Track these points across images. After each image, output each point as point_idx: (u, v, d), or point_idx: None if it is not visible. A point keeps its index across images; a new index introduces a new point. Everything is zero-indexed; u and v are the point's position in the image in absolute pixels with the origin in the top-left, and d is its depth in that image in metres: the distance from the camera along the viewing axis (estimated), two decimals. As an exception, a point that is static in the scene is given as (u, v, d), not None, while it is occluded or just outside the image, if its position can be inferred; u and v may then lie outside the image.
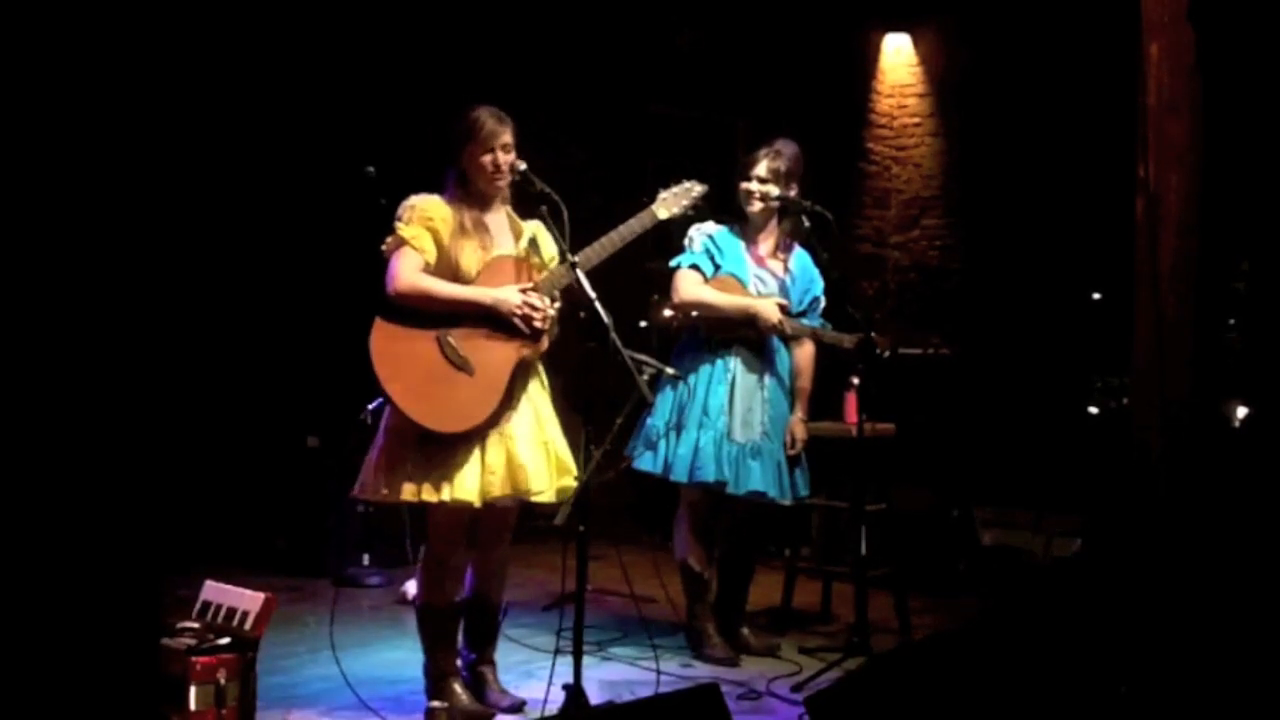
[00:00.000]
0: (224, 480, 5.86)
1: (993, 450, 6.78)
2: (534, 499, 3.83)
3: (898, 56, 8.35)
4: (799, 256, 4.73)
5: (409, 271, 3.72)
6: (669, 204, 4.12)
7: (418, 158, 6.39)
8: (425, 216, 3.78)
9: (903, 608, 4.89)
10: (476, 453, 3.73)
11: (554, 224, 3.76)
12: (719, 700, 2.94)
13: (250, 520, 5.85)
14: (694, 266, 4.62)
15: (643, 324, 6.79)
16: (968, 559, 6.12)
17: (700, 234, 4.67)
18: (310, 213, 6.19)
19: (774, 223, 4.69)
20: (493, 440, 3.76)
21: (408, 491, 3.70)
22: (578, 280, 3.75)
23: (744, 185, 4.61)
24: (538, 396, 3.92)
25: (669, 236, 4.87)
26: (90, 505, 2.16)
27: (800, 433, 4.64)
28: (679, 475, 4.51)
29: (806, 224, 4.57)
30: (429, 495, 3.69)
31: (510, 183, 3.88)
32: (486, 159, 3.82)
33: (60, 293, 2.14)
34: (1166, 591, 4.06)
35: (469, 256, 3.79)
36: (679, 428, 4.54)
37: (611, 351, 3.79)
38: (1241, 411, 4.79)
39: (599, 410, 3.87)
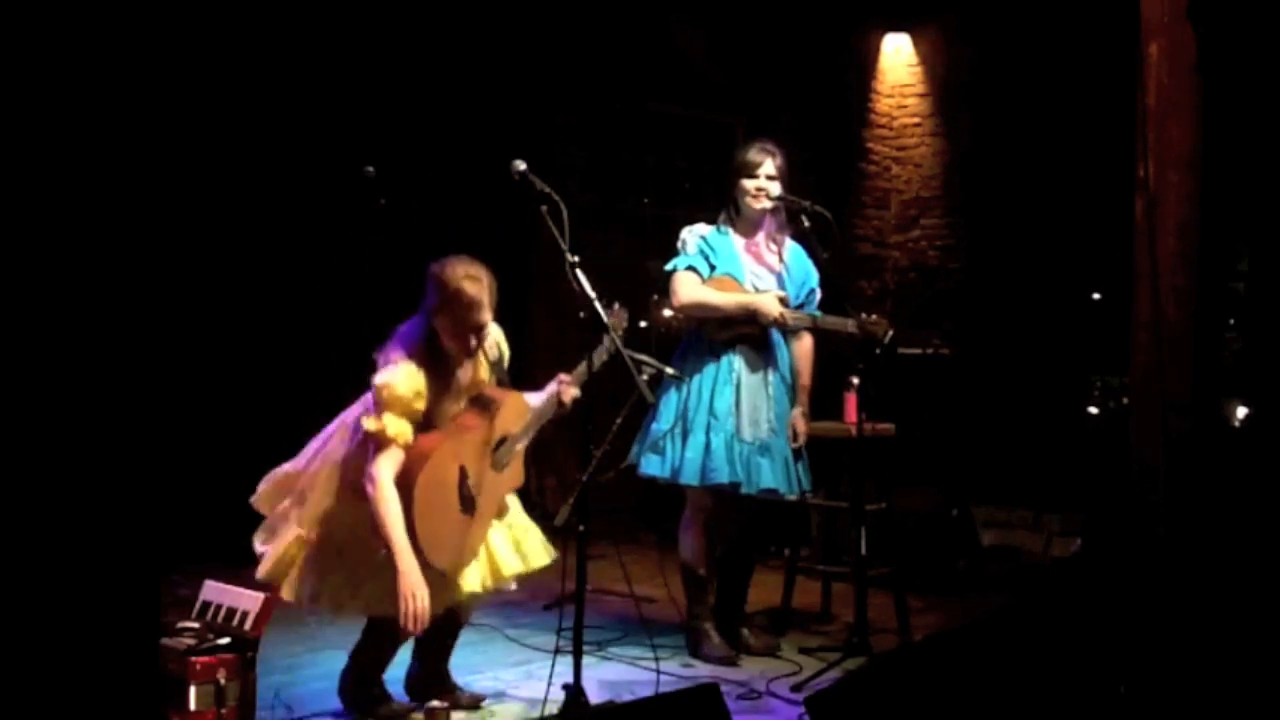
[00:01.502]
0: (224, 480, 5.85)
1: (992, 450, 6.78)
2: (507, 583, 3.92)
3: (898, 56, 8.34)
4: (793, 250, 4.73)
5: (389, 470, 3.59)
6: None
7: (418, 158, 6.43)
8: (409, 408, 3.62)
9: (903, 608, 4.89)
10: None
11: (554, 224, 3.75)
12: (719, 700, 2.94)
13: (250, 520, 5.84)
14: (690, 269, 4.62)
15: (643, 324, 6.80)
16: (968, 559, 6.12)
17: (693, 235, 4.67)
18: (310, 213, 6.19)
19: (769, 219, 4.69)
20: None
21: (386, 606, 3.60)
22: (577, 280, 3.75)
23: (750, 184, 4.60)
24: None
25: (670, 237, 4.88)
26: (90, 505, 2.16)
27: (802, 426, 4.64)
28: (690, 478, 4.50)
29: (806, 224, 4.57)
30: (423, 589, 3.58)
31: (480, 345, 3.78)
32: (461, 338, 3.69)
33: (60, 293, 2.14)
34: (1166, 591, 4.06)
35: (441, 416, 3.77)
36: (685, 431, 4.54)
37: (611, 351, 3.80)
38: (1241, 411, 4.79)
39: (599, 410, 3.87)
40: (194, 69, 5.41)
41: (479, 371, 3.88)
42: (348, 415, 3.84)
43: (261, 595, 3.63)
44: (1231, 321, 4.78)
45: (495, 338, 3.90)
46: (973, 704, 3.26)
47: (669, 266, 4.68)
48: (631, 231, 7.54)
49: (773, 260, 4.69)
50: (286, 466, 3.89)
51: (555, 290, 4.85)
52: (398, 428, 3.60)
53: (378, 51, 6.36)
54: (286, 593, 3.70)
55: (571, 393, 3.89)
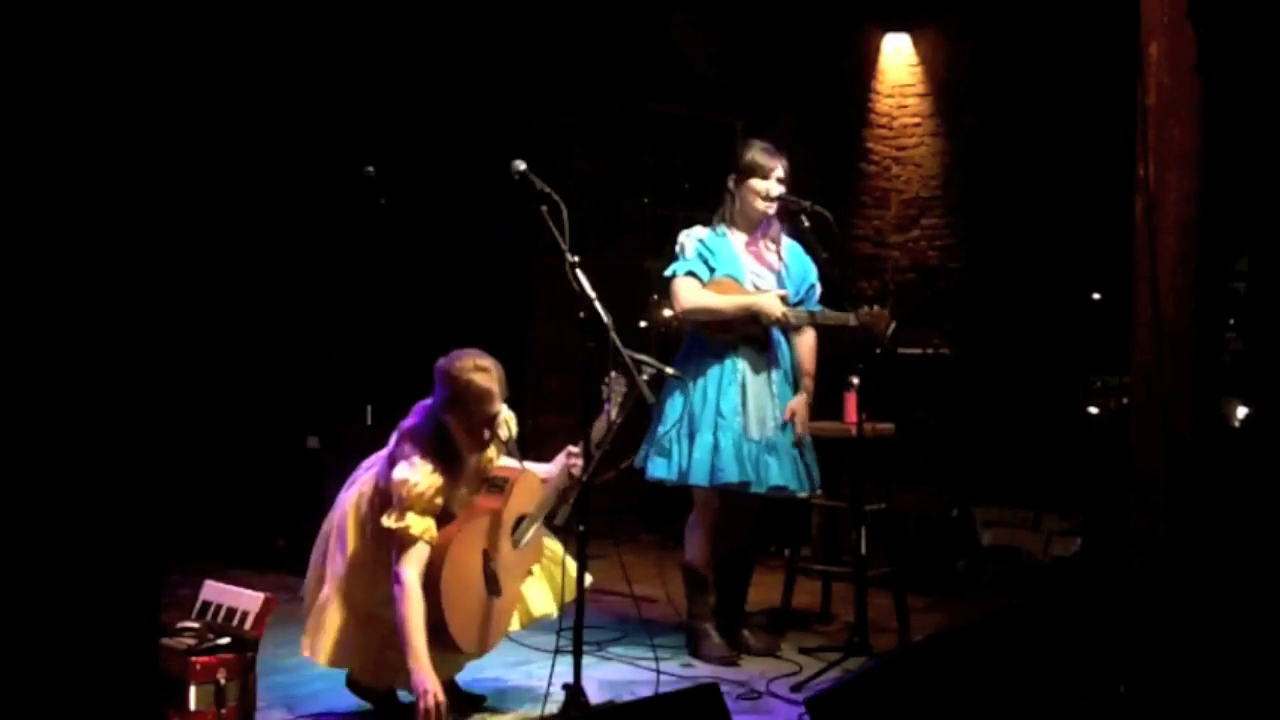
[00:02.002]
0: (224, 480, 5.86)
1: (992, 450, 6.78)
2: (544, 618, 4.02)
3: (898, 56, 8.35)
4: (791, 248, 4.73)
5: (416, 569, 3.60)
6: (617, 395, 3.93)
7: (418, 158, 6.43)
8: (430, 504, 3.63)
9: (903, 608, 4.89)
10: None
11: (554, 224, 3.75)
12: (719, 700, 2.94)
13: (250, 520, 5.85)
14: (690, 274, 4.61)
15: (643, 324, 6.80)
16: (968, 559, 6.12)
17: (691, 239, 4.66)
18: (310, 213, 6.19)
19: (769, 219, 4.69)
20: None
21: (402, 681, 3.68)
22: (577, 280, 3.75)
23: (762, 185, 4.59)
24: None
25: (670, 237, 4.88)
26: (90, 504, 2.16)
27: (802, 414, 4.61)
28: (699, 479, 4.49)
29: (806, 224, 4.57)
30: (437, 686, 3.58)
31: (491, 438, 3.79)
32: (474, 434, 3.71)
33: (61, 292, 2.14)
34: (1166, 591, 4.06)
35: (455, 504, 3.80)
36: (691, 432, 4.53)
37: (611, 351, 3.79)
38: (1241, 411, 4.79)
39: (598, 411, 3.87)
40: (195, 69, 5.41)
41: (488, 453, 3.90)
42: (358, 477, 3.86)
43: (261, 595, 3.63)
44: (1231, 321, 4.78)
45: (504, 416, 3.86)
46: (973, 704, 3.27)
47: (668, 272, 4.67)
48: (631, 231, 7.55)
49: (772, 260, 4.69)
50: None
51: (556, 290, 4.84)
52: (422, 526, 3.60)
53: (378, 51, 6.36)
54: (321, 657, 3.71)
55: (580, 465, 3.83)
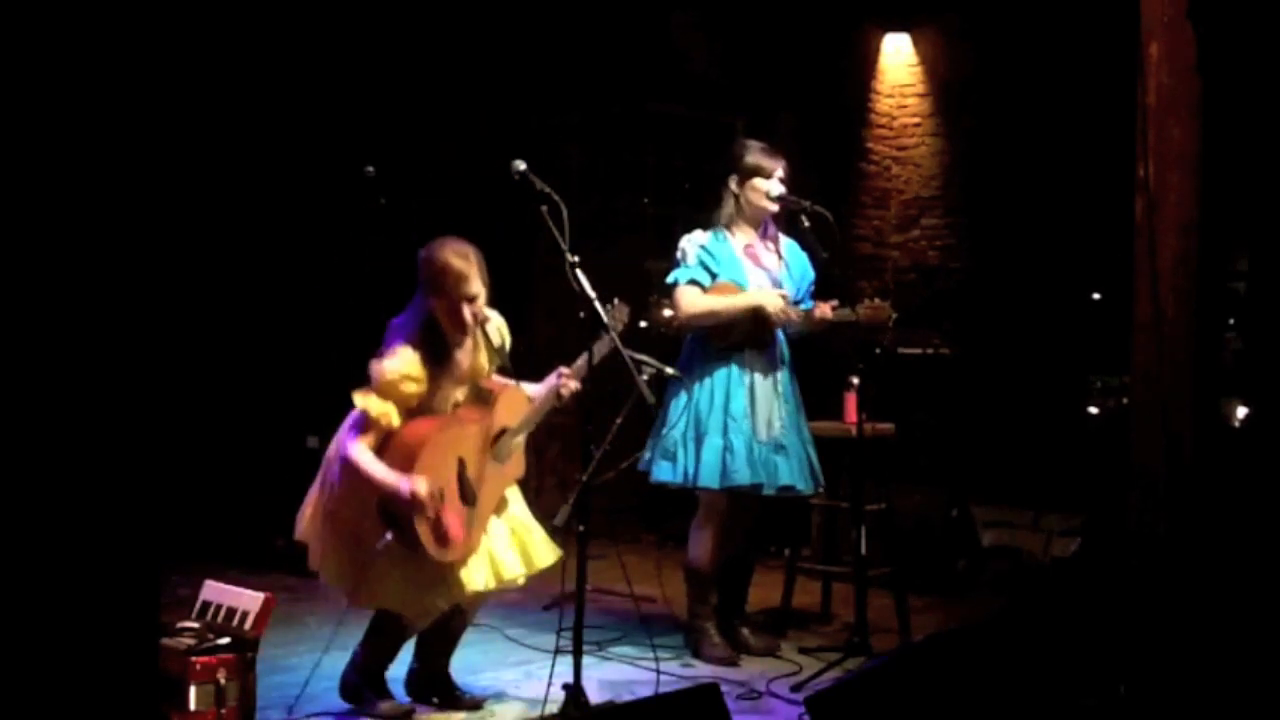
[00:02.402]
0: (224, 480, 5.86)
1: (992, 450, 6.78)
2: (512, 583, 3.91)
3: (898, 56, 8.34)
4: (789, 246, 4.73)
5: (366, 443, 3.65)
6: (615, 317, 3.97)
7: (418, 158, 6.43)
8: (397, 390, 3.66)
9: (903, 608, 4.89)
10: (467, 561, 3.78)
11: (554, 224, 3.75)
12: (719, 700, 2.94)
13: (250, 520, 5.85)
14: (692, 281, 4.61)
15: (643, 324, 6.80)
16: (968, 559, 6.12)
17: (692, 245, 4.65)
18: (310, 213, 6.19)
19: (768, 219, 4.69)
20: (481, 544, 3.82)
21: (392, 601, 3.72)
22: (577, 280, 3.75)
23: (763, 185, 4.59)
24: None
25: (670, 237, 4.88)
26: (90, 505, 2.16)
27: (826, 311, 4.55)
28: (709, 481, 4.48)
29: (806, 224, 4.57)
30: (417, 613, 3.68)
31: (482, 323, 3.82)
32: (454, 313, 3.74)
33: (60, 292, 2.14)
34: (1166, 591, 4.06)
35: (442, 402, 3.80)
36: (698, 436, 4.52)
37: (611, 351, 3.80)
38: (1241, 411, 4.78)
39: (599, 410, 3.87)
40: (194, 69, 5.41)
41: (480, 357, 3.89)
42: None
43: (261, 595, 3.63)
44: (1231, 321, 4.78)
45: (496, 323, 3.92)
46: (973, 704, 3.27)
47: (670, 279, 4.67)
48: (632, 231, 7.54)
49: (772, 260, 4.69)
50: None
51: (556, 290, 4.84)
52: (380, 408, 3.63)
53: (378, 51, 6.36)
54: (312, 561, 3.80)
55: (571, 386, 3.90)
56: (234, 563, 5.17)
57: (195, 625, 3.62)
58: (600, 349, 3.87)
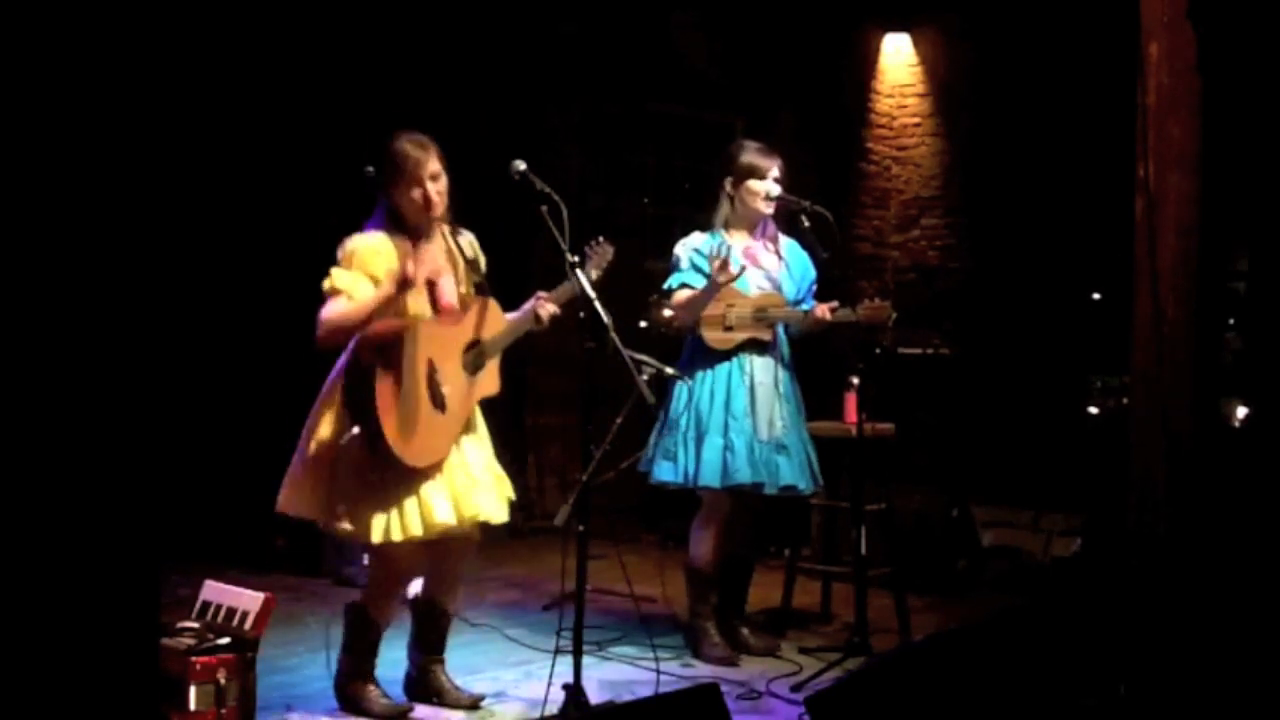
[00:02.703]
0: (224, 480, 5.85)
1: (992, 450, 6.78)
2: (489, 520, 3.85)
3: (898, 56, 8.35)
4: (789, 246, 4.73)
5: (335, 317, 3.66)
6: (596, 264, 4.00)
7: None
8: (364, 265, 3.68)
9: (903, 608, 4.89)
10: (441, 481, 3.72)
11: (554, 224, 3.75)
12: (719, 700, 2.94)
13: (250, 520, 5.84)
14: (684, 285, 4.61)
15: (643, 324, 6.79)
16: (968, 559, 6.12)
17: (686, 250, 4.65)
18: (310, 212, 6.18)
19: (766, 219, 4.69)
20: (456, 466, 3.77)
21: (377, 530, 3.66)
22: (578, 281, 3.75)
23: (758, 185, 4.58)
24: (477, 416, 3.95)
25: (669, 237, 4.87)
26: (89, 505, 2.16)
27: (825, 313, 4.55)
28: (710, 480, 4.48)
29: (806, 224, 4.57)
30: (399, 534, 3.65)
31: (446, 207, 3.83)
32: (416, 193, 3.76)
33: (62, 293, 2.14)
34: (1166, 591, 4.06)
35: (417, 302, 3.77)
36: (699, 435, 4.52)
37: (611, 351, 3.79)
38: (1241, 411, 4.78)
39: (599, 410, 3.87)
40: (194, 69, 5.41)
41: (457, 267, 3.88)
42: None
43: (261, 595, 3.63)
44: (1231, 321, 4.78)
45: (469, 238, 3.95)
46: (973, 704, 3.27)
47: (666, 285, 4.68)
48: (631, 232, 7.54)
49: (772, 260, 4.68)
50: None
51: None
52: (346, 281, 3.64)
53: (377, 51, 6.36)
54: (281, 503, 3.78)
55: (549, 309, 3.92)
56: (234, 563, 5.17)
57: (195, 625, 3.62)
58: (587, 273, 3.84)
